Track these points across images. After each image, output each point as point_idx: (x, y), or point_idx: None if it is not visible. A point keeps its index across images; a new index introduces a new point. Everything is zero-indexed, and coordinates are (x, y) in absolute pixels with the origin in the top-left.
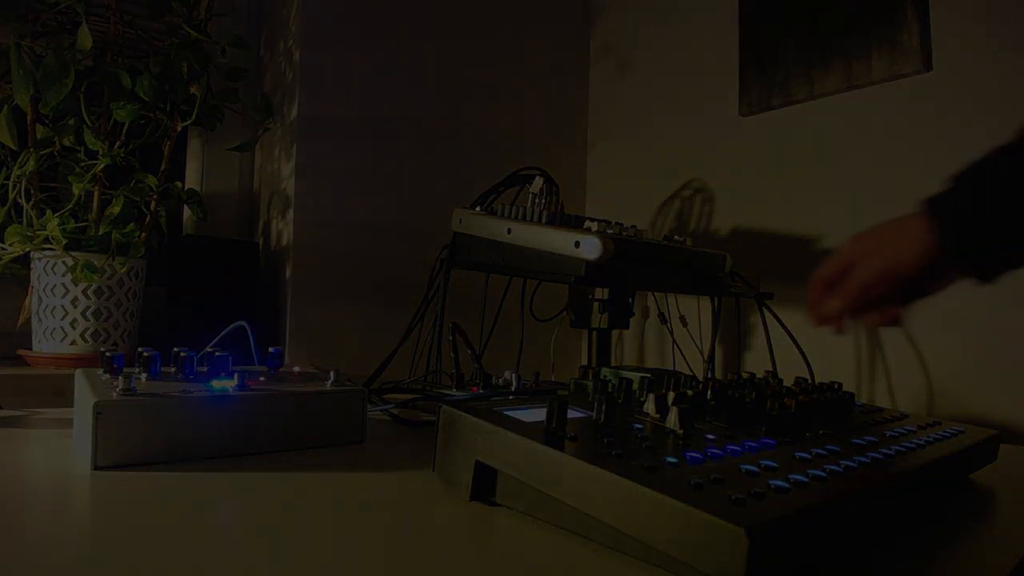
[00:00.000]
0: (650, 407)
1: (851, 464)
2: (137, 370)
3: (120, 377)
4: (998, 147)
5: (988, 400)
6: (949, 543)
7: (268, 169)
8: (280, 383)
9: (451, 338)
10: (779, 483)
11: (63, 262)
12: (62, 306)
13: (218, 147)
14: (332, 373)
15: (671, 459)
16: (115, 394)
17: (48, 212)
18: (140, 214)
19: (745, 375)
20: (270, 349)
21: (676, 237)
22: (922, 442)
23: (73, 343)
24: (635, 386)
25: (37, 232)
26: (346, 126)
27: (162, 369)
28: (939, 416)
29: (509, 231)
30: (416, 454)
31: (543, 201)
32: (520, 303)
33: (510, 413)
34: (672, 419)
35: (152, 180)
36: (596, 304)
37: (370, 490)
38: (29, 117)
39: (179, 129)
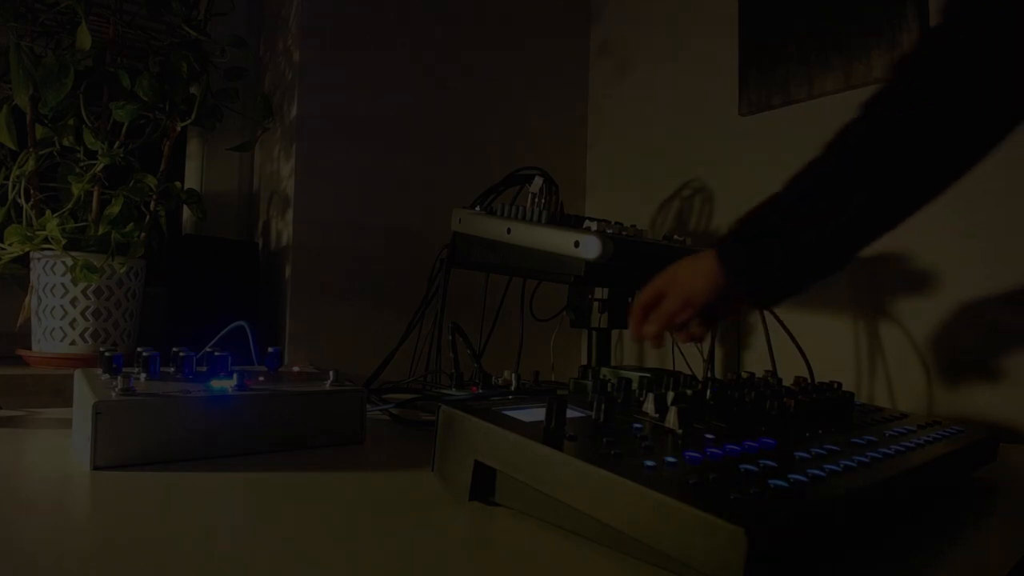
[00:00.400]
0: (649, 407)
1: (851, 464)
2: (136, 370)
3: (119, 377)
4: (773, 194)
5: (988, 400)
6: (949, 543)
7: (268, 169)
8: (279, 383)
9: (451, 338)
10: (779, 483)
11: (63, 262)
12: (61, 306)
13: (218, 147)
14: (331, 373)
15: (670, 459)
16: (114, 394)
17: (48, 212)
18: (140, 214)
19: (745, 375)
20: (269, 349)
21: (676, 237)
22: (922, 442)
23: (73, 343)
24: (634, 386)
25: (37, 232)
26: (346, 126)
27: (161, 369)
28: (939, 416)
29: (509, 231)
30: (415, 454)
31: (543, 201)
32: (520, 303)
33: (509, 413)
34: (671, 419)
35: (152, 180)
36: (596, 304)
37: (369, 490)
38: (29, 117)
39: (179, 129)
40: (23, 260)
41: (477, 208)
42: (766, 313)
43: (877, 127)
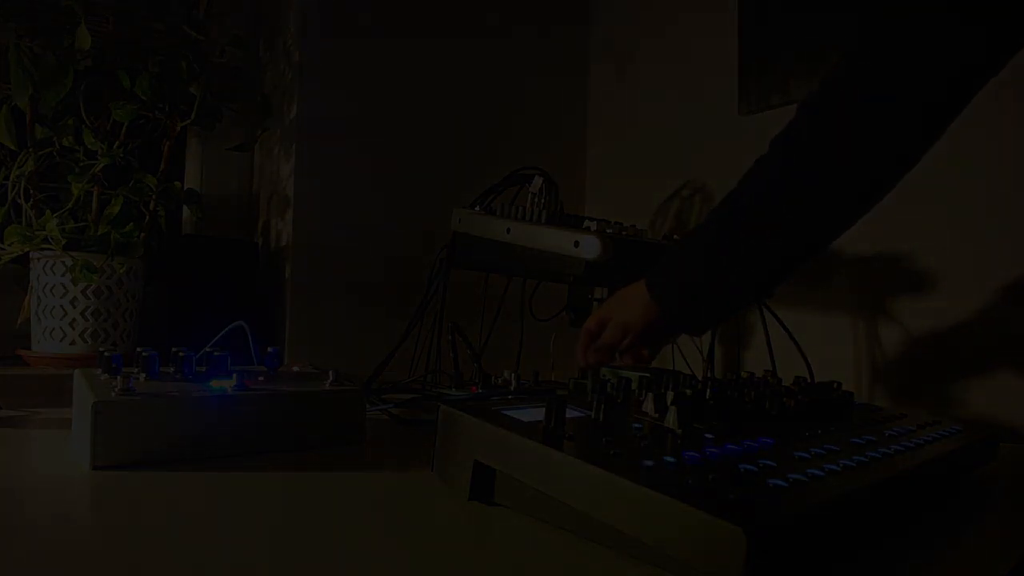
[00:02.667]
0: (649, 407)
1: (850, 463)
2: (136, 370)
3: (119, 377)
4: (698, 225)
5: (988, 400)
6: (949, 543)
7: (267, 169)
8: (279, 383)
9: (451, 338)
10: (778, 483)
11: (62, 262)
12: (61, 306)
13: (217, 147)
14: (331, 373)
15: (669, 459)
16: (114, 394)
17: (47, 212)
18: (139, 214)
19: (744, 375)
20: (269, 349)
21: (676, 237)
22: (921, 441)
23: (72, 343)
24: (634, 386)
25: (36, 232)
26: (345, 126)
27: (161, 369)
28: (938, 416)
29: (508, 231)
30: (415, 454)
31: (542, 201)
32: (520, 303)
33: (509, 413)
34: (671, 419)
35: (151, 180)
36: (596, 304)
37: (369, 490)
38: (29, 117)
39: (178, 129)
40: (23, 260)
41: (477, 208)
42: (766, 313)
43: (786, 161)
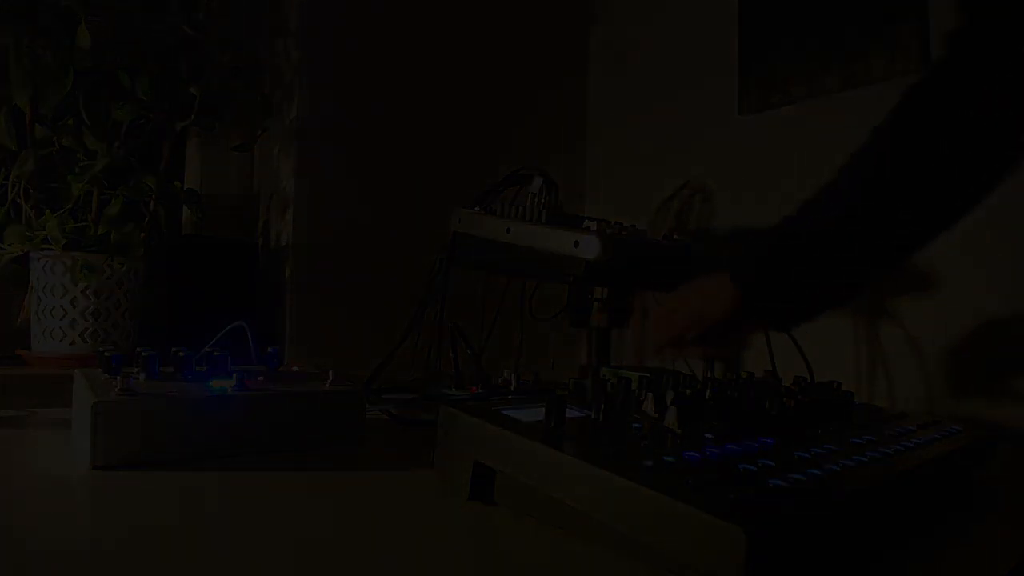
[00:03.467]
0: (649, 406)
1: (850, 463)
2: (136, 370)
3: (119, 377)
4: (787, 217)
5: (988, 400)
6: (949, 543)
7: (268, 169)
8: (279, 383)
9: (451, 338)
10: (778, 483)
11: (62, 262)
12: (61, 306)
13: (217, 147)
14: (331, 373)
15: (669, 458)
16: (114, 394)
17: (47, 212)
18: (139, 214)
19: (744, 375)
20: (269, 349)
21: (676, 236)
22: (921, 441)
23: (72, 343)
24: (634, 386)
25: (36, 232)
26: (345, 126)
27: (161, 369)
28: (939, 416)
29: (508, 231)
30: (415, 454)
31: (542, 201)
32: (520, 303)
33: (509, 413)
34: (671, 418)
35: (151, 180)
36: (596, 304)
37: (369, 490)
38: (28, 117)
39: (178, 129)
40: (23, 260)
41: (477, 208)
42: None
43: (890, 153)
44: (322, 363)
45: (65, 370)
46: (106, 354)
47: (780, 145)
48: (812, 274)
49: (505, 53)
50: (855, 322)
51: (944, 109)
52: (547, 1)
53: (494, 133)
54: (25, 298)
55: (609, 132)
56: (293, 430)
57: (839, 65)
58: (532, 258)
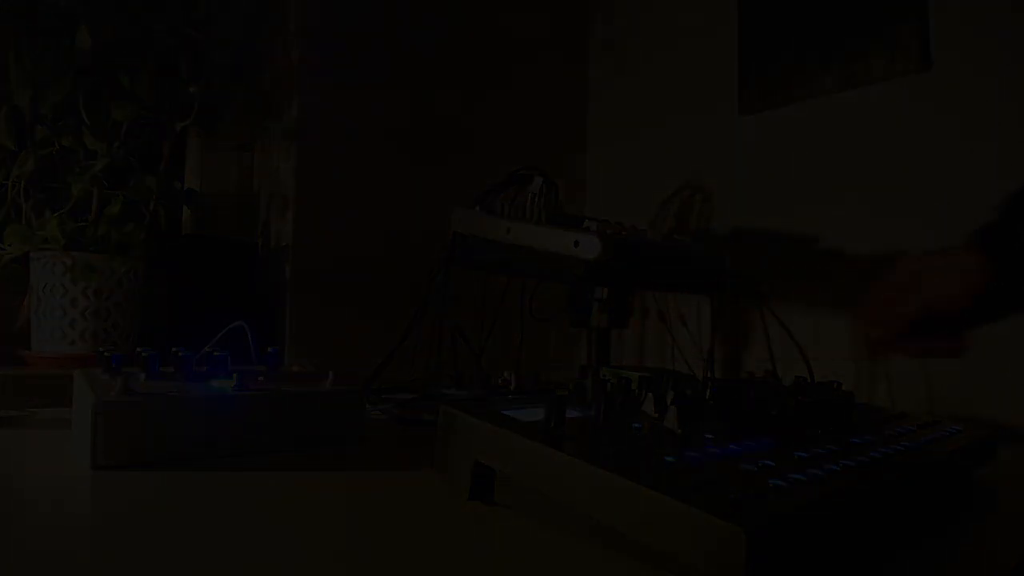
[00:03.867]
0: (649, 407)
1: (850, 463)
2: (136, 370)
3: (119, 377)
4: None
5: (988, 400)
6: (949, 543)
7: (267, 169)
8: (279, 383)
9: (451, 338)
10: (778, 483)
11: (62, 262)
12: (61, 306)
13: (218, 147)
14: (331, 373)
15: (670, 458)
16: (114, 394)
17: (47, 212)
18: (139, 214)
19: (745, 375)
20: (269, 349)
21: (676, 236)
22: (921, 441)
23: (72, 343)
24: (634, 386)
25: (36, 232)
26: (345, 126)
27: (161, 369)
28: (939, 416)
29: (508, 231)
30: (415, 454)
31: (542, 201)
32: (520, 303)
33: (509, 413)
34: (671, 418)
35: (151, 180)
36: (596, 304)
37: (369, 490)
38: (28, 117)
39: (178, 129)
40: (23, 260)
41: (477, 208)
42: (766, 312)
43: None
44: (322, 363)
45: (65, 370)
46: (106, 354)
47: (780, 145)
48: None
49: (505, 53)
50: (855, 322)
51: None
52: (547, 1)
53: (495, 133)
54: (25, 298)
55: (609, 132)
56: (293, 430)
57: (839, 65)
58: (532, 258)
